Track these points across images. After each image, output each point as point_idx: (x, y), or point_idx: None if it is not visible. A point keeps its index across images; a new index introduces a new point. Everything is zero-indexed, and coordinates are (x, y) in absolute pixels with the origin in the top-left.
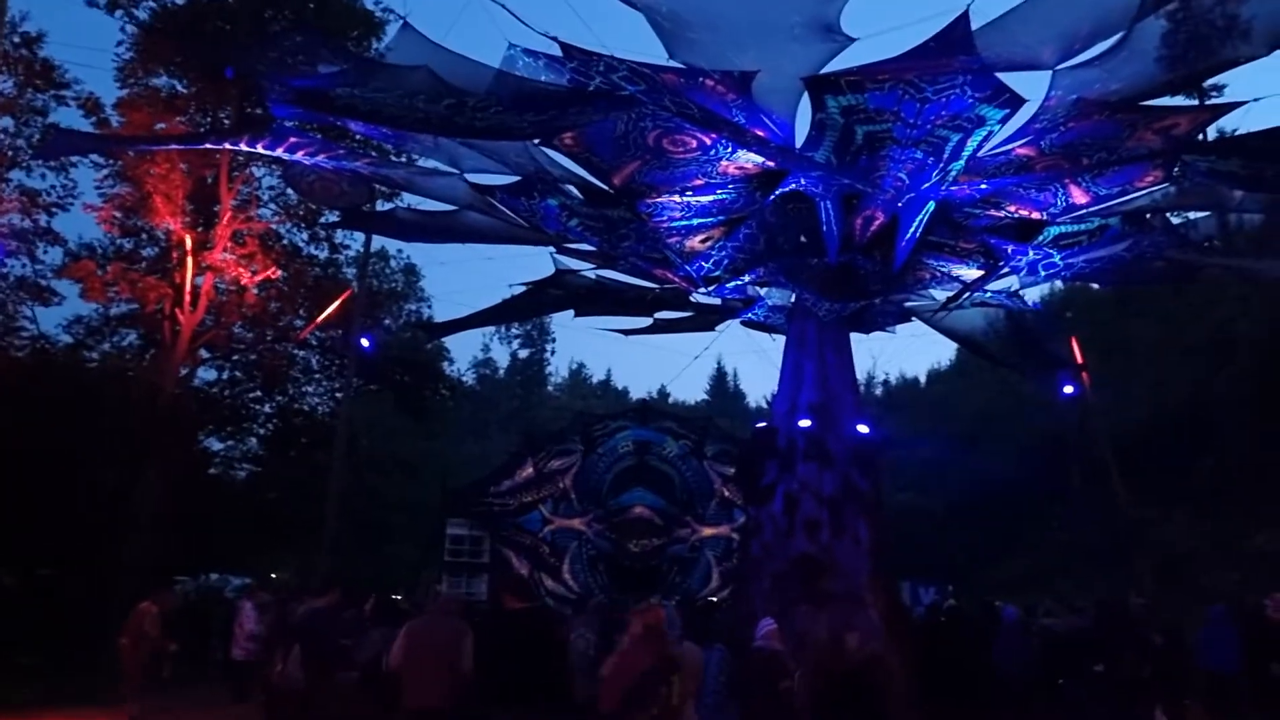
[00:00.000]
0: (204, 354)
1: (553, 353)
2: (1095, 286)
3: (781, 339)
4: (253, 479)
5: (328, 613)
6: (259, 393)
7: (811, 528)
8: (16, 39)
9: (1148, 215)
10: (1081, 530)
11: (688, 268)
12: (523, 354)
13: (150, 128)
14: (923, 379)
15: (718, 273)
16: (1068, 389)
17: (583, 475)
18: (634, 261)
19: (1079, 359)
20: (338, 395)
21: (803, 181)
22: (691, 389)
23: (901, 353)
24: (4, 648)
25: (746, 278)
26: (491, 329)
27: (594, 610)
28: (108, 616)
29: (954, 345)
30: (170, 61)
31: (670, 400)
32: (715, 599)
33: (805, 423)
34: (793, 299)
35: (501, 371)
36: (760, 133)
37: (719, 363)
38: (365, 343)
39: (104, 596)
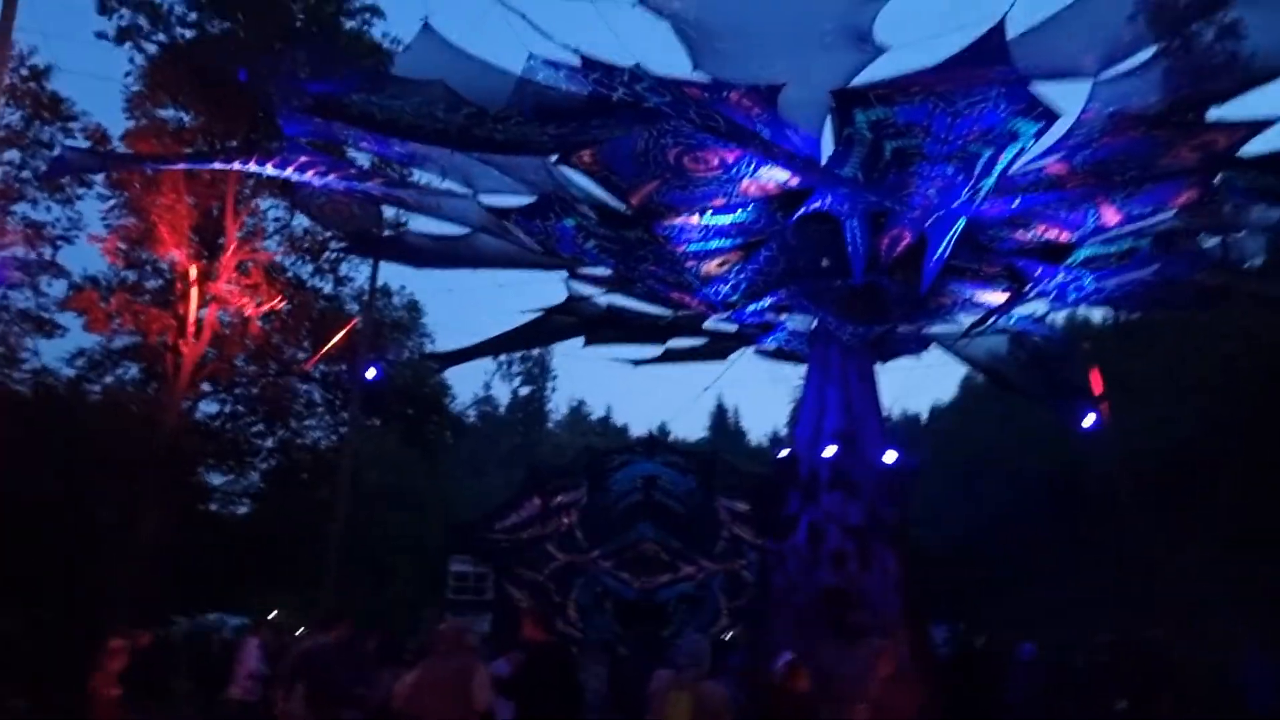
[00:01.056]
0: (206, 387)
1: (553, 390)
2: (1099, 320)
3: (790, 372)
4: (253, 515)
5: (335, 648)
6: (261, 426)
7: (838, 559)
8: (25, 71)
9: (1180, 237)
10: (1099, 566)
11: (706, 290)
12: (523, 391)
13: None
14: (924, 415)
15: (735, 297)
16: (1088, 420)
17: (589, 510)
18: (651, 285)
19: (1098, 389)
20: (341, 430)
21: (828, 200)
22: (692, 426)
23: (903, 389)
24: None
25: (767, 300)
26: (493, 366)
27: (602, 649)
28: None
29: (956, 382)
30: (178, 93)
31: (671, 437)
32: (726, 636)
33: (830, 451)
34: (814, 324)
35: (502, 409)
36: (786, 148)
37: (720, 400)
38: (371, 373)
39: (99, 637)
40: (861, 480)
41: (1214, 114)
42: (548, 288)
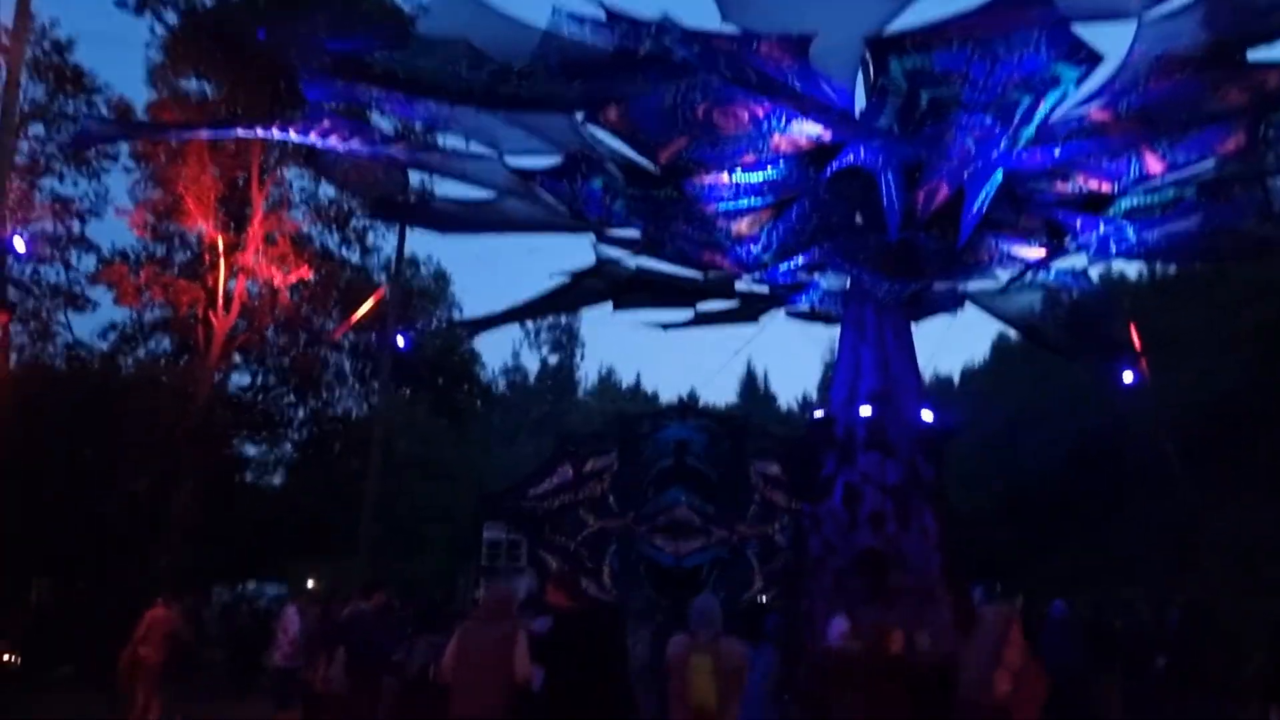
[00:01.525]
0: (237, 359)
1: (582, 358)
2: (1134, 276)
3: (821, 334)
4: (287, 485)
5: (373, 615)
6: (292, 397)
7: (876, 521)
8: (46, 45)
9: (1227, 184)
10: (1138, 524)
11: (738, 250)
12: (552, 360)
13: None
14: (956, 378)
15: (766, 256)
16: (1127, 376)
17: (621, 476)
18: (681, 246)
19: (1138, 345)
20: (372, 400)
21: (862, 153)
22: (722, 391)
23: (935, 351)
24: (41, 660)
25: (800, 259)
26: (521, 336)
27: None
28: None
29: (987, 344)
30: (200, 63)
31: (701, 403)
32: (762, 599)
33: (866, 410)
34: (848, 283)
35: (531, 378)
36: (818, 101)
37: (749, 364)
38: (401, 341)
39: (137, 608)
40: (898, 440)
41: (1263, 55)
42: (578, 253)
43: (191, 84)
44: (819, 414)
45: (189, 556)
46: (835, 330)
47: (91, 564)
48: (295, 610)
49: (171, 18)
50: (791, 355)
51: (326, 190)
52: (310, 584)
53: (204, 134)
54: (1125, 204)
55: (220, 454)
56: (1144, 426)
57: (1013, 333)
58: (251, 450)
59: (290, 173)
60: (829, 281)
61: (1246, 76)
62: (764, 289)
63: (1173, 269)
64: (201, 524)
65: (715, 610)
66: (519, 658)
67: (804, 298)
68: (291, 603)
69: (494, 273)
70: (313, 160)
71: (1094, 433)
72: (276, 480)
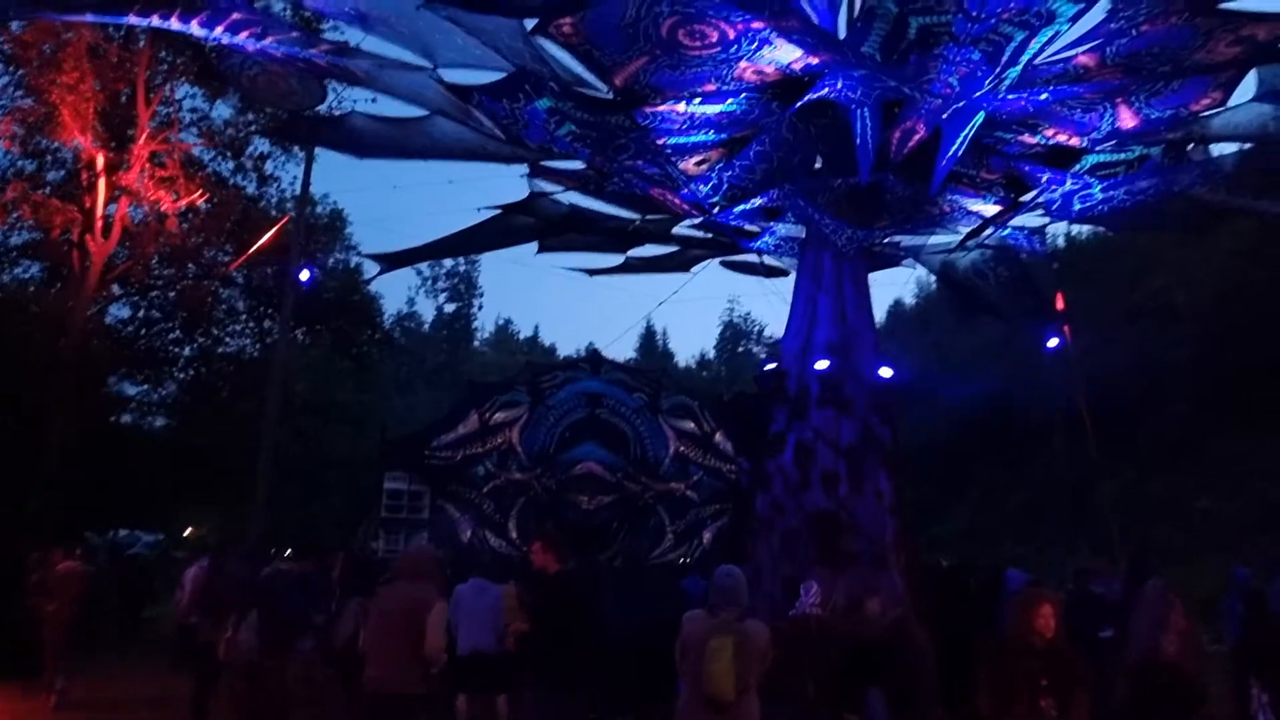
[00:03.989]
0: (117, 290)
1: (480, 307)
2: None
3: (722, 293)
4: (172, 428)
5: (294, 577)
6: (179, 333)
7: (828, 481)
8: None
9: (1190, 146)
10: (1032, 486)
11: (694, 187)
12: (449, 308)
13: (55, 36)
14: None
15: (716, 197)
16: (1052, 342)
17: (530, 428)
18: (630, 180)
19: (1063, 309)
20: (267, 339)
21: (839, 86)
22: (620, 347)
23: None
24: None
25: (758, 200)
26: (418, 282)
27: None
28: (13, 579)
29: (882, 310)
30: None
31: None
32: (681, 561)
33: (823, 364)
34: (805, 230)
35: (426, 326)
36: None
37: (649, 321)
38: (305, 275)
39: (3, 557)
40: (854, 396)
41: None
42: (504, 185)
43: None
44: (770, 366)
45: (59, 500)
46: (750, 285)
47: None
48: (200, 567)
49: None
50: (690, 313)
51: (221, 111)
52: (188, 532)
53: (88, 18)
54: (1092, 159)
55: (97, 390)
56: (1051, 391)
57: (908, 298)
58: (132, 390)
59: (180, 91)
60: (786, 228)
61: (1238, 26)
62: (703, 234)
63: (1079, 238)
64: (73, 467)
65: (741, 585)
66: (433, 627)
67: (759, 242)
68: (197, 559)
69: (421, 195)
70: (207, 73)
71: (989, 398)
72: (160, 423)
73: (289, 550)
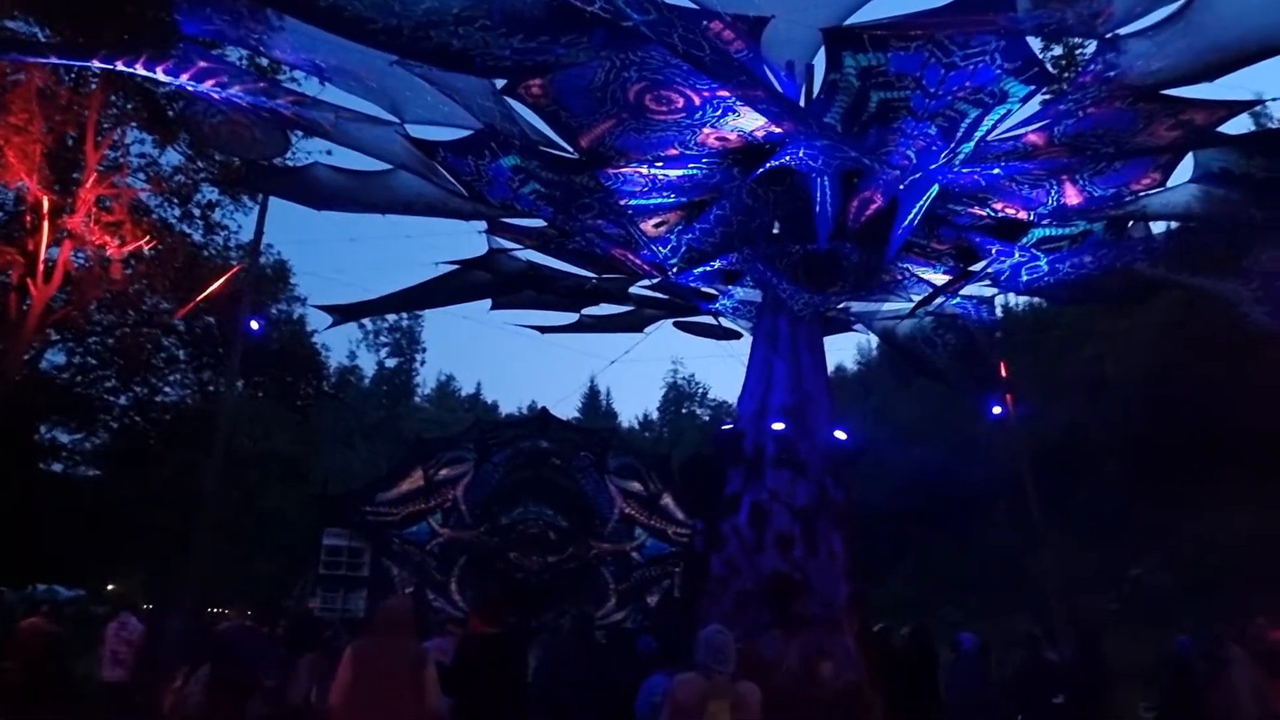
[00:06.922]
0: (53, 335)
1: (422, 363)
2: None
3: (665, 355)
4: (105, 478)
5: (249, 633)
6: (115, 381)
7: (783, 543)
8: None
9: (1130, 224)
10: (969, 554)
11: (654, 248)
12: (390, 363)
13: (4, 77)
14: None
15: (674, 259)
16: (996, 409)
17: (475, 486)
18: (591, 239)
19: (1005, 378)
20: (207, 390)
21: (800, 154)
22: (565, 406)
23: None
24: None
25: (717, 263)
26: (359, 336)
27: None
28: None
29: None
30: (30, 2)
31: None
32: (628, 623)
33: (779, 426)
34: (761, 294)
35: (367, 380)
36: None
37: (592, 380)
38: (255, 325)
39: None
40: (809, 459)
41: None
42: (461, 241)
43: (19, 25)
44: (727, 427)
45: None
46: (693, 347)
47: None
48: (124, 624)
49: None
50: (633, 373)
51: (170, 158)
52: (110, 588)
53: (54, 60)
54: (1038, 233)
55: (26, 438)
56: (988, 458)
57: (850, 365)
58: (65, 439)
59: (130, 136)
60: (744, 291)
61: (1178, 112)
62: (659, 295)
63: (1016, 308)
64: None
65: (730, 645)
66: (430, 684)
67: (716, 305)
68: (123, 614)
69: (377, 248)
70: (158, 118)
71: (928, 463)
72: (92, 473)
73: (249, 611)
